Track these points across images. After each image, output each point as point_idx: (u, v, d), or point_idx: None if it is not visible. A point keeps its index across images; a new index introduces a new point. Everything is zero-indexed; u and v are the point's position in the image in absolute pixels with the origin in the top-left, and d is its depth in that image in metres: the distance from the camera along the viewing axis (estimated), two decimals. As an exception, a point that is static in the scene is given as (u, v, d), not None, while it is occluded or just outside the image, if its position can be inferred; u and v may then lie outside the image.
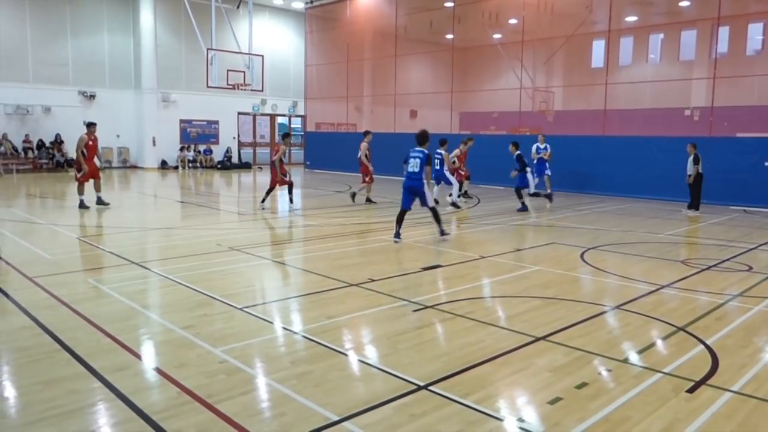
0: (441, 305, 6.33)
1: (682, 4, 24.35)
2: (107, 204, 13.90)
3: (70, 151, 24.86)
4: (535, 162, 16.64)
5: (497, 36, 28.26)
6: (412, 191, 10.04)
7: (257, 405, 4.00)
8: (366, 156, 15.26)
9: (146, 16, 26.18)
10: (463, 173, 17.07)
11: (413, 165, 9.92)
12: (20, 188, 18.55)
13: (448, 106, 24.68)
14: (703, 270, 8.37)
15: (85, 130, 13.77)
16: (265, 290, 7.29)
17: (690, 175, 14.06)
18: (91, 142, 13.74)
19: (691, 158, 14.00)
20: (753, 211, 15.14)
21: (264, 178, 24.74)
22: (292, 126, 33.36)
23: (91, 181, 13.85)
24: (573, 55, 28.20)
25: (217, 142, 29.47)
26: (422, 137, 10.09)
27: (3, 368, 4.56)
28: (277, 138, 32.83)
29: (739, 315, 6.23)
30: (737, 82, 21.03)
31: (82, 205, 13.51)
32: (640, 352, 5.10)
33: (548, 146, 16.91)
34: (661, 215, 14.19)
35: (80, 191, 13.69)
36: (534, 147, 16.82)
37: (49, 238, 10.15)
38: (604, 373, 4.62)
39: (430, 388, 4.23)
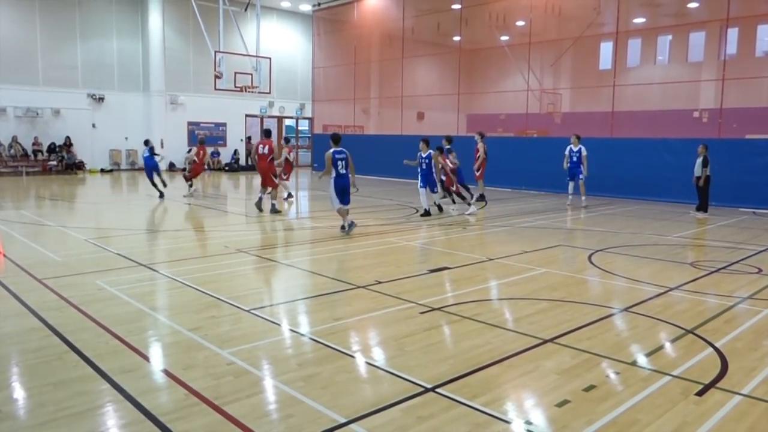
0: (448, 307, 6.32)
1: (690, 5, 24.28)
2: (261, 211, 14.02)
3: (79, 153, 25.10)
4: (567, 165, 15.83)
5: (504, 38, 28.23)
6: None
7: (265, 407, 4.01)
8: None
9: (155, 19, 26.32)
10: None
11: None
12: (30, 190, 18.67)
13: (455, 107, 24.66)
14: (712, 272, 8.32)
15: (265, 138, 14.24)
16: (273, 292, 7.31)
17: (699, 177, 13.97)
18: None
19: (700, 160, 13.91)
20: (762, 213, 15.03)
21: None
22: (299, 128, 33.45)
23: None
24: (581, 56, 28.15)
25: (224, 145, 29.58)
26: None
27: (13, 369, 4.59)
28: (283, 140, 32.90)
29: (749, 318, 6.19)
30: (746, 83, 20.90)
31: (274, 209, 13.79)
32: (648, 354, 5.07)
33: (583, 148, 15.66)
34: (670, 217, 14.12)
35: (274, 196, 14.03)
36: (567, 149, 15.90)
37: (58, 240, 10.20)
38: (612, 375, 4.60)
39: (438, 390, 4.22)
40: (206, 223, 12.63)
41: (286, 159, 17.12)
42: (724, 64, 19.05)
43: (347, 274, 7.73)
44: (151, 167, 16.42)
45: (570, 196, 15.96)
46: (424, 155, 13.47)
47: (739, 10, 19.75)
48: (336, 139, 10.97)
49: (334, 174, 10.69)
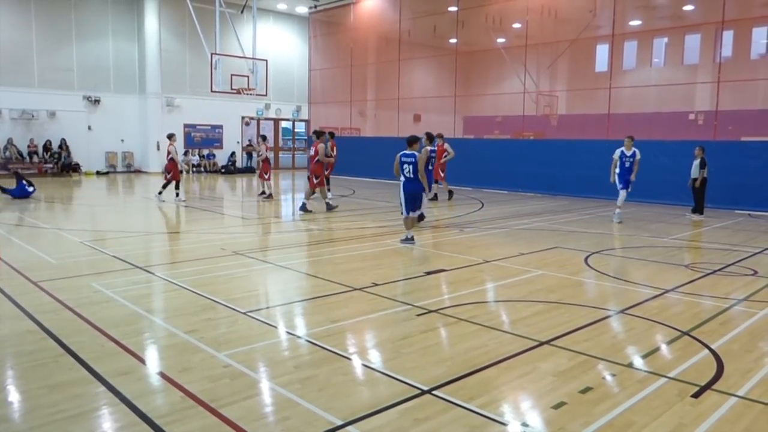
0: (445, 309, 6.32)
1: (686, 8, 24.34)
2: (335, 207, 14.60)
3: (75, 155, 25.04)
4: (617, 172, 13.39)
5: (501, 40, 28.27)
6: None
7: (261, 409, 4.00)
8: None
9: (151, 21, 26.30)
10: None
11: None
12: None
13: (451, 110, 24.71)
14: (708, 274, 8.34)
15: (324, 138, 14.72)
16: (269, 294, 7.29)
17: (696, 179, 13.98)
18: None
19: (697, 162, 13.92)
20: (758, 215, 15.08)
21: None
22: (296, 130, 33.45)
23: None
24: (577, 59, 28.21)
25: (221, 147, 29.55)
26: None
27: (7, 372, 4.57)
28: (281, 141, 32.85)
29: (745, 319, 6.21)
30: (742, 85, 20.98)
31: (330, 207, 14.46)
32: (644, 356, 5.08)
33: (637, 152, 13.23)
34: (666, 219, 14.15)
35: (324, 194, 14.68)
36: (618, 152, 13.42)
37: (53, 242, 10.18)
38: (609, 377, 4.60)
39: (434, 392, 4.22)
40: (202, 226, 12.61)
41: (265, 158, 17.40)
42: (720, 66, 19.11)
43: (344, 277, 7.72)
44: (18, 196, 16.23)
45: (618, 210, 13.46)
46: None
47: (734, 13, 19.85)
48: (410, 141, 10.08)
49: (402, 179, 10.12)
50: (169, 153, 16.14)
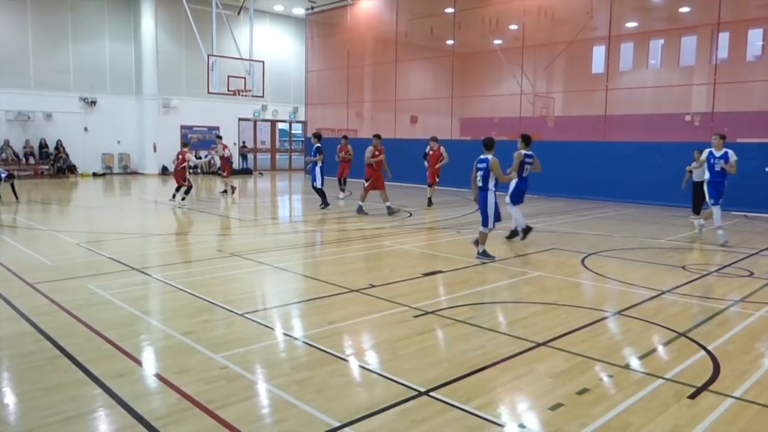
0: (442, 311, 6.32)
1: (682, 9, 24.43)
2: (397, 211, 14.35)
3: (71, 157, 25.00)
4: (706, 179, 11.14)
5: (498, 42, 28.31)
6: None
7: (258, 411, 4.00)
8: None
9: (147, 23, 26.27)
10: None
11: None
12: (21, 194, 18.54)
13: (448, 111, 24.71)
14: (704, 275, 8.36)
15: (377, 142, 14.65)
16: (266, 296, 7.29)
17: (703, 182, 13.88)
18: (377, 152, 14.45)
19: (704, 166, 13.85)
20: (754, 216, 15.12)
21: (264, 184, 24.77)
22: (292, 132, 33.44)
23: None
24: (573, 60, 28.27)
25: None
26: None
27: (3, 374, 4.55)
28: (278, 143, 32.83)
29: (741, 321, 6.22)
30: (737, 87, 21.05)
31: (360, 210, 14.24)
32: (641, 357, 5.09)
33: (730, 153, 10.88)
34: (662, 221, 14.17)
35: (362, 198, 14.53)
36: (705, 155, 11.27)
37: (49, 244, 10.15)
38: (606, 378, 4.61)
39: (431, 393, 4.22)
40: (199, 227, 12.59)
41: (222, 156, 18.29)
42: (716, 68, 19.17)
43: (341, 278, 7.72)
44: None
45: (703, 222, 11.72)
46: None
47: (730, 15, 19.89)
48: (487, 144, 8.93)
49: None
50: (185, 160, 15.70)
